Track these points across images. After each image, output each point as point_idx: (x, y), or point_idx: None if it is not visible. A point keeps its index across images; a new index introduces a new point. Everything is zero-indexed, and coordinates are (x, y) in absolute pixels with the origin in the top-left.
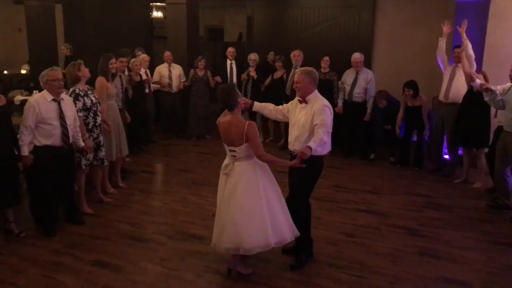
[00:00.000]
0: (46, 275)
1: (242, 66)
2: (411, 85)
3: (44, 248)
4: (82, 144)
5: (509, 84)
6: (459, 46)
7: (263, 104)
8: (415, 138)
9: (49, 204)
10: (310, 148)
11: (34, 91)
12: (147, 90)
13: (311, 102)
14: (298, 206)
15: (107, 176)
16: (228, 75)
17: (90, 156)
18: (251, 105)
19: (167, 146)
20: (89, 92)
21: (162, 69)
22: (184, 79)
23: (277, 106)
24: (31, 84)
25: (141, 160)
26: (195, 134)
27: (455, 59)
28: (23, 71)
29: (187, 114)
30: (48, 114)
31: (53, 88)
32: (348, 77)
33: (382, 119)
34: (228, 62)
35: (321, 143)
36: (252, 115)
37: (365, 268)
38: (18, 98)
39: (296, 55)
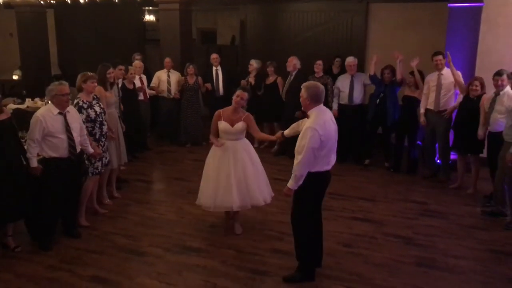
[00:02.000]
0: None
1: (235, 69)
2: (420, 72)
3: (39, 264)
4: (91, 150)
5: (491, 94)
6: (437, 54)
7: (290, 128)
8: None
9: (51, 216)
10: (288, 188)
11: (27, 99)
12: (142, 97)
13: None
14: (295, 223)
15: (105, 186)
16: (214, 81)
17: (98, 164)
18: (282, 135)
19: (162, 154)
20: (93, 102)
21: (161, 75)
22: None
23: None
24: (23, 91)
25: (136, 169)
26: (189, 140)
27: (436, 66)
28: (14, 77)
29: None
30: (54, 128)
31: (60, 102)
32: (342, 82)
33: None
34: (214, 68)
35: (298, 178)
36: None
37: (364, 280)
38: (11, 106)
39: (288, 61)
